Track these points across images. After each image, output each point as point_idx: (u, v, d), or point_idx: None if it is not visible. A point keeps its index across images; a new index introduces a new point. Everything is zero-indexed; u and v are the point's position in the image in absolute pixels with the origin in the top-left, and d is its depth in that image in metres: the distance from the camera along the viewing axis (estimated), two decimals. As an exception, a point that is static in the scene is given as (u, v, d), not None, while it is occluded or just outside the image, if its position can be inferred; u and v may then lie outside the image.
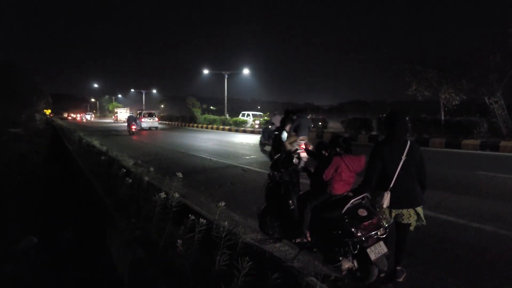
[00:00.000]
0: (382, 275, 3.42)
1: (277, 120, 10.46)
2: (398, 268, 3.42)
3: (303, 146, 7.02)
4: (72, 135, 18.77)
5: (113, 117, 49.14)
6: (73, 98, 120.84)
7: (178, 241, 3.03)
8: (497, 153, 12.58)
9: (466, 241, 4.36)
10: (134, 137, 23.13)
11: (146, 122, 30.73)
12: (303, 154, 6.44)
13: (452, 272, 3.58)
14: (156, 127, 31.38)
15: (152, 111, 35.80)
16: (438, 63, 15.34)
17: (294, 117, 8.80)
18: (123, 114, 54.91)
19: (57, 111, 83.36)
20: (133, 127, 25.04)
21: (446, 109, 15.82)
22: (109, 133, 28.09)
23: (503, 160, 10.84)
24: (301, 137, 8.42)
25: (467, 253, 4.02)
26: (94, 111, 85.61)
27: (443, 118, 15.60)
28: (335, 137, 3.77)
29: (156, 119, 32.78)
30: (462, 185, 7.40)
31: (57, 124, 36.64)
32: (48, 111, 63.09)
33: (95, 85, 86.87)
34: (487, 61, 14.30)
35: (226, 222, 3.36)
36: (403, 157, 3.28)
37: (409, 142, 3.36)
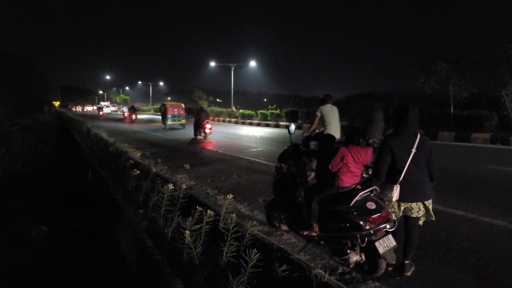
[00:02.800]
0: (390, 268, 3.40)
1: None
2: (406, 262, 3.40)
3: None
4: (80, 126, 18.91)
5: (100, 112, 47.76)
6: (81, 90, 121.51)
7: (186, 231, 3.03)
8: (508, 147, 12.41)
9: (476, 235, 4.31)
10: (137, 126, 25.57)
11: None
12: None
13: (461, 267, 3.55)
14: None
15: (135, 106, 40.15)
16: (447, 55, 15.09)
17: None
18: (110, 108, 61.18)
19: (65, 103, 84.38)
20: (133, 116, 32.58)
21: (455, 102, 15.60)
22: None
23: (513, 155, 10.70)
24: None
25: (476, 247, 3.97)
26: (110, 102, 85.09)
27: (452, 111, 15.40)
28: (352, 128, 3.70)
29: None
30: (472, 179, 7.32)
31: (66, 115, 36.95)
32: (56, 103, 63.81)
33: (107, 77, 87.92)
34: (498, 52, 14.04)
35: (234, 214, 3.36)
36: (413, 150, 3.24)
37: (419, 135, 3.32)
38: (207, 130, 16.42)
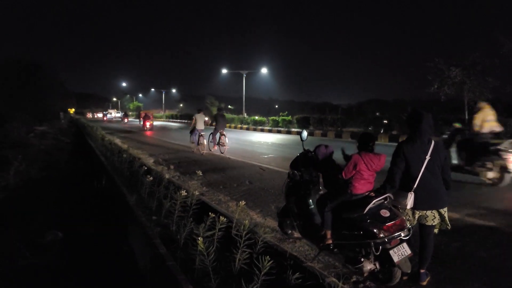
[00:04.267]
0: (405, 277, 3.35)
1: None
2: (422, 271, 3.34)
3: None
4: (95, 133, 19.21)
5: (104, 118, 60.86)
6: (96, 97, 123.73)
7: (199, 238, 3.05)
8: (525, 154, 12.11)
9: (493, 244, 4.21)
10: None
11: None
12: None
13: (479, 277, 3.47)
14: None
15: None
16: (461, 61, 14.88)
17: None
18: (112, 114, 70.59)
19: (80, 110, 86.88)
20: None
21: (469, 108, 15.35)
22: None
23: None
24: None
25: (494, 257, 3.88)
26: (116, 110, 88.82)
27: (467, 117, 15.14)
28: (365, 135, 3.67)
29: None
30: (489, 186, 7.16)
31: (81, 122, 37.71)
32: (72, 110, 65.44)
33: (122, 84, 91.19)
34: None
35: (247, 221, 3.36)
36: (427, 157, 3.20)
37: (433, 142, 3.28)
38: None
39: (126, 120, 45.81)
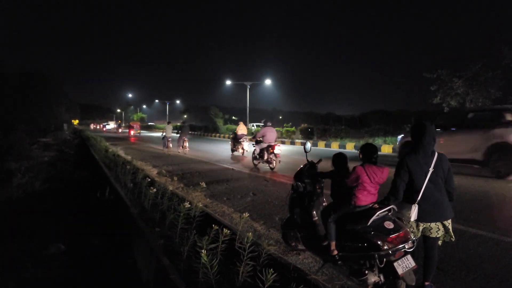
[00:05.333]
0: (410, 290, 3.32)
1: None
2: (426, 283, 3.31)
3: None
4: (99, 144, 19.31)
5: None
6: (100, 108, 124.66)
7: (203, 251, 3.05)
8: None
9: (498, 256, 4.18)
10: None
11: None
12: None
13: (484, 290, 3.44)
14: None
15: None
16: (464, 72, 14.93)
17: None
18: (110, 125, 74.52)
19: (83, 122, 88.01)
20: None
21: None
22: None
23: None
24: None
25: (499, 269, 3.85)
26: (120, 121, 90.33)
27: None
28: (368, 146, 3.67)
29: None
30: (494, 197, 7.12)
31: (84, 134, 38.05)
32: (75, 121, 66.16)
33: (127, 95, 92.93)
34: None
35: (250, 233, 3.36)
36: (431, 169, 3.20)
37: (436, 154, 3.28)
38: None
39: (120, 130, 56.22)
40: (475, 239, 4.69)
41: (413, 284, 3.24)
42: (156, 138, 31.02)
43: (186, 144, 17.19)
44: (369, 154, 3.55)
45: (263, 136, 11.83)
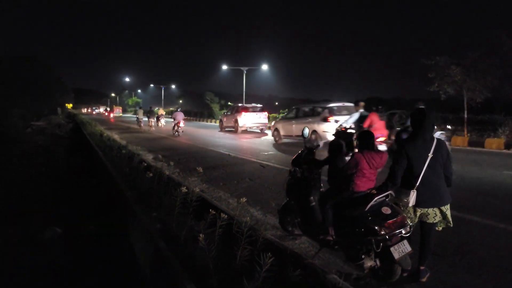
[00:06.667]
0: (405, 274, 3.36)
1: None
2: (422, 268, 3.35)
3: None
4: (93, 128, 19.17)
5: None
6: (94, 93, 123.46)
7: (200, 235, 3.04)
8: (523, 152, 12.16)
9: (492, 242, 4.24)
10: (112, 121, 39.58)
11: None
12: None
13: (478, 274, 3.49)
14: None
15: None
16: (462, 59, 14.87)
17: None
18: (101, 109, 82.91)
19: (77, 106, 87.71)
20: (111, 114, 51.92)
21: (469, 107, 15.38)
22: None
23: None
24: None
25: (493, 254, 3.90)
26: (106, 106, 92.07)
27: (466, 116, 15.19)
28: (366, 133, 3.66)
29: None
30: (487, 184, 7.19)
31: (78, 118, 37.87)
32: (69, 106, 65.82)
33: (120, 80, 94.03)
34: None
35: (248, 218, 3.36)
36: (430, 155, 3.20)
37: (435, 139, 3.28)
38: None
39: (106, 113, 64.02)
40: (469, 225, 4.74)
41: (409, 268, 3.28)
42: (132, 120, 38.08)
43: (152, 123, 25.04)
44: (366, 141, 3.54)
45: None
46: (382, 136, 8.47)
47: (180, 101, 72.65)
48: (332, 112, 12.95)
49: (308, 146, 4.31)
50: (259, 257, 2.88)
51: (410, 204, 3.24)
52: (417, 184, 3.20)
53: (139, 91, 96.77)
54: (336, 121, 11.64)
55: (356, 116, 8.87)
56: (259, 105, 21.47)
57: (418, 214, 3.31)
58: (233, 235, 3.58)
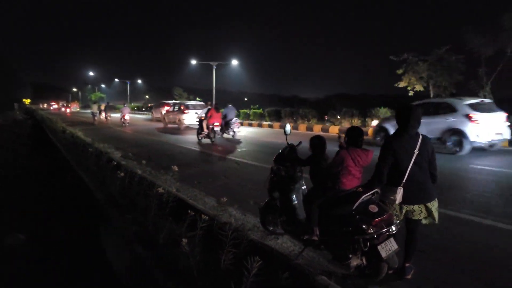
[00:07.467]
0: (391, 271, 3.33)
1: None
2: (407, 265, 3.34)
3: None
4: (55, 125, 18.21)
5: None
6: (54, 87, 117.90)
7: (184, 240, 2.85)
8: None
9: (469, 236, 4.33)
10: (69, 115, 43.63)
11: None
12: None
13: (461, 269, 3.53)
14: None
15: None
16: (429, 55, 15.34)
17: None
18: (55, 106, 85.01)
19: (36, 101, 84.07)
20: (67, 109, 55.84)
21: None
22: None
23: (493, 154, 10.96)
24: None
25: (471, 248, 3.98)
26: (64, 102, 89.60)
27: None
28: (353, 129, 3.58)
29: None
30: (459, 178, 7.42)
31: (38, 113, 36.08)
32: (27, 101, 62.58)
33: (82, 75, 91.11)
34: (477, 54, 14.38)
35: (233, 220, 3.21)
36: (416, 152, 3.17)
37: (421, 136, 3.26)
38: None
39: (63, 109, 69.14)
40: (445, 219, 4.82)
41: (396, 266, 3.25)
42: (87, 113, 39.85)
43: (108, 117, 28.72)
44: (355, 137, 3.48)
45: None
46: (217, 123, 14.14)
47: (147, 96, 70.81)
48: (187, 107, 21.77)
49: (290, 143, 4.21)
50: (244, 260, 2.74)
51: (397, 202, 3.21)
52: (404, 181, 3.17)
53: (103, 86, 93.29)
54: (196, 113, 18.13)
55: (205, 110, 14.71)
56: (201, 103, 24.96)
57: (404, 211, 3.29)
58: (214, 236, 3.42)
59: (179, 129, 20.97)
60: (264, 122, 24.48)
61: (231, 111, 15.66)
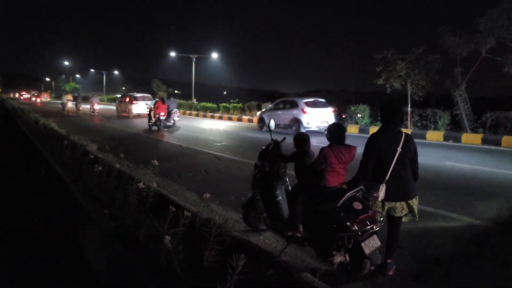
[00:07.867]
0: (372, 268, 3.36)
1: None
2: (388, 261, 3.38)
3: None
4: (27, 116, 17.53)
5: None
6: (27, 77, 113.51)
7: (167, 237, 2.78)
8: (459, 144, 13.13)
9: (444, 230, 4.47)
10: (39, 105, 45.24)
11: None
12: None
13: (437, 262, 3.62)
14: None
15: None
16: (407, 54, 15.62)
17: None
18: (27, 95, 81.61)
19: (7, 90, 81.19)
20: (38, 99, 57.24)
21: (413, 100, 16.25)
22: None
23: (466, 151, 11.33)
24: None
25: (450, 244, 4.09)
26: (49, 91, 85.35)
27: (409, 109, 16.04)
28: (335, 126, 3.57)
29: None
30: (434, 176, 7.59)
31: (8, 103, 34.80)
32: (-4, 90, 60.51)
33: (55, 64, 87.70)
34: (453, 53, 14.75)
35: (217, 216, 3.15)
36: (399, 149, 3.20)
37: (404, 134, 3.29)
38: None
39: (33, 99, 64.89)
40: (424, 215, 4.93)
41: (378, 263, 3.29)
42: (58, 104, 39.81)
43: (80, 108, 29.96)
44: (336, 134, 3.47)
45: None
46: (163, 113, 16.51)
47: (123, 88, 69.21)
48: (136, 99, 24.64)
49: (274, 139, 4.17)
50: (229, 257, 2.70)
51: (380, 198, 3.23)
52: (387, 178, 3.19)
53: (77, 76, 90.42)
54: (146, 104, 21.23)
55: (153, 101, 17.88)
56: (148, 95, 27.43)
57: (386, 208, 3.32)
58: (197, 233, 3.35)
59: (129, 117, 24.19)
60: (244, 117, 24.39)
61: (172, 103, 18.88)
